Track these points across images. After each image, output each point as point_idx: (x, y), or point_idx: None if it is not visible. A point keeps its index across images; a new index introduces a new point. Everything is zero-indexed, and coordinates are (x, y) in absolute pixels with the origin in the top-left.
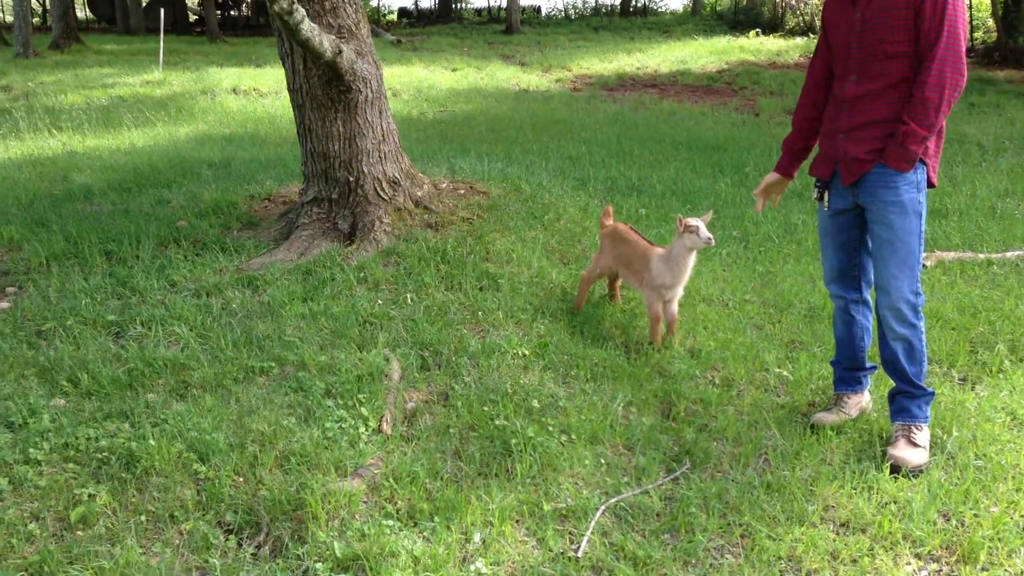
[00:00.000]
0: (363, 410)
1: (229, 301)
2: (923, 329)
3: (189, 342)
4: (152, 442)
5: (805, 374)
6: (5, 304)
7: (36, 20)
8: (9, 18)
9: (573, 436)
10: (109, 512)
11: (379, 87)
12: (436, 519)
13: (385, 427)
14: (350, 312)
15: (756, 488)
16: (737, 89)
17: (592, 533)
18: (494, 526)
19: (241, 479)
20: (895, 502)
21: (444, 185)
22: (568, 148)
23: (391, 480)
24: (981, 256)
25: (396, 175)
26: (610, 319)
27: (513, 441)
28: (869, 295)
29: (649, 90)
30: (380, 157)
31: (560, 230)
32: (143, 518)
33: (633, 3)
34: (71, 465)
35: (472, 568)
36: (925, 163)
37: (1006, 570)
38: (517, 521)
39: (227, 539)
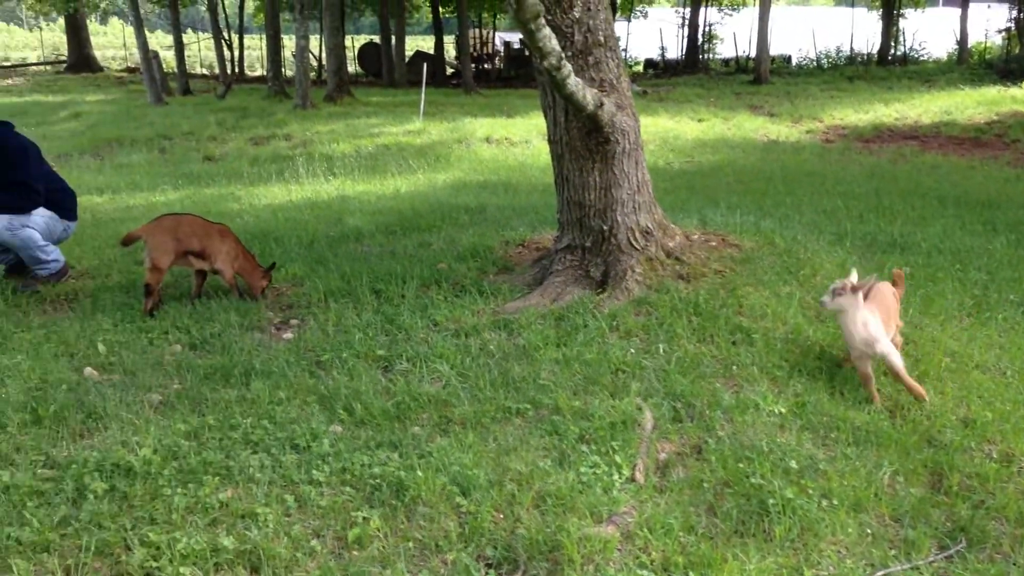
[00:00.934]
0: (616, 457)
1: (487, 342)
2: None
3: (450, 380)
4: (419, 473)
5: None
6: (289, 335)
7: (313, 75)
8: (290, 73)
9: (834, 501)
10: (381, 536)
11: (636, 139)
12: (691, 574)
13: (638, 476)
14: (603, 359)
15: None
16: (1009, 142)
17: None
18: None
19: (500, 516)
20: None
21: (696, 237)
22: (822, 201)
23: (645, 530)
24: None
25: (649, 225)
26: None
27: (771, 501)
28: None
29: (909, 142)
30: (634, 207)
31: (816, 286)
32: (411, 544)
33: (892, 51)
34: (348, 488)
35: None
36: None
37: None
38: None
39: (487, 572)
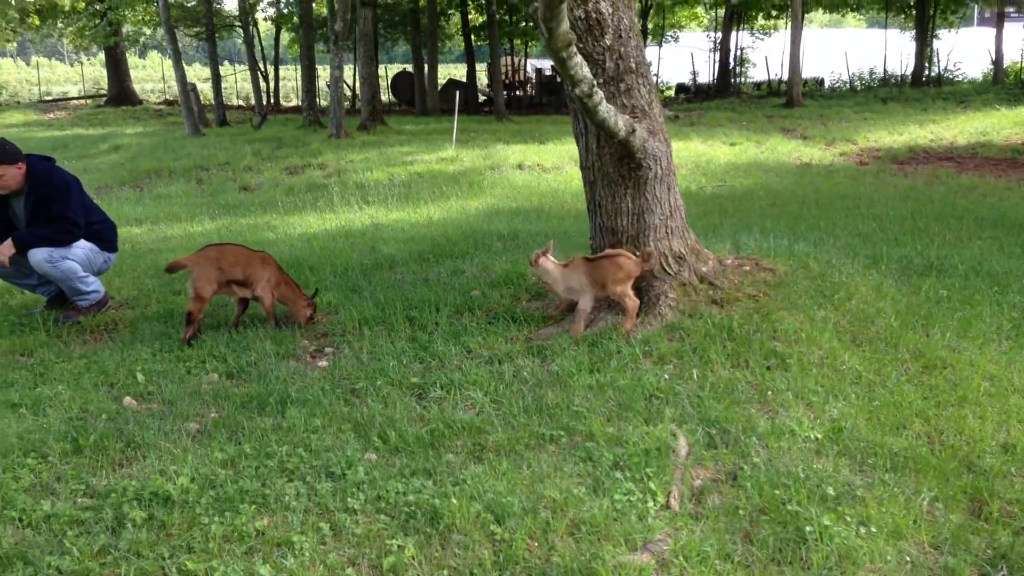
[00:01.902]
0: (651, 484)
1: (520, 369)
2: None
3: (484, 406)
4: (454, 501)
5: None
6: (324, 363)
7: (347, 104)
8: (325, 103)
9: (873, 528)
10: (415, 564)
11: (668, 164)
12: None
13: (673, 503)
14: (636, 385)
15: None
16: None
17: None
18: None
19: (535, 544)
20: None
21: (729, 261)
22: (857, 224)
23: (680, 558)
24: None
25: (682, 250)
26: (909, 406)
27: (808, 529)
28: None
29: (945, 163)
30: (667, 232)
31: (851, 310)
32: (445, 572)
33: (926, 72)
34: (383, 516)
35: None
36: None
37: None
38: None
39: None
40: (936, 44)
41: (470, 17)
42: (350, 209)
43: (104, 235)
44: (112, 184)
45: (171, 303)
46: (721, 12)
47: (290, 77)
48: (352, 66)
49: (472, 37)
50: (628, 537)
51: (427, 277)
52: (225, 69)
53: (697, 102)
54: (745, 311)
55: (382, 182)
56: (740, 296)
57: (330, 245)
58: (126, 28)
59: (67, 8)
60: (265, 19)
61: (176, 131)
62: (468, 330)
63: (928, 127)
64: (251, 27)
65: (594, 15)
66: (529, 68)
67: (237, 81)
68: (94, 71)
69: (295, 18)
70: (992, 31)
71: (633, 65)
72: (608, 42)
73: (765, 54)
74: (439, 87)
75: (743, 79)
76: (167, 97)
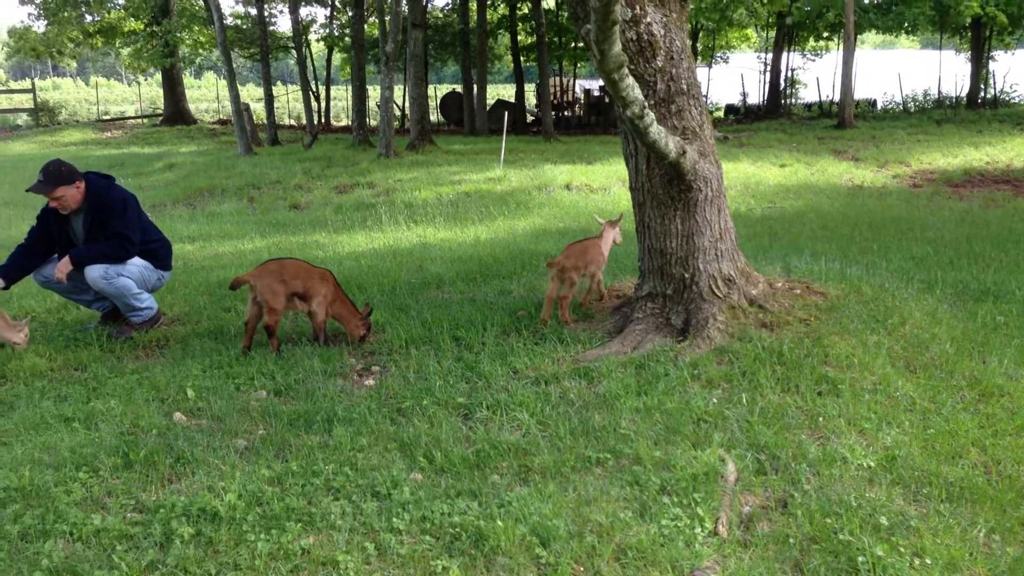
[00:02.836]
0: (699, 510)
1: (566, 391)
2: None
3: (530, 428)
4: (499, 523)
5: None
6: (371, 382)
7: (396, 124)
8: (374, 122)
9: (927, 560)
10: None
11: (719, 186)
12: None
13: (721, 530)
14: (684, 409)
15: None
16: None
17: None
18: None
19: (581, 568)
20: None
21: (779, 284)
22: (911, 248)
23: None
24: None
25: (731, 273)
26: (965, 435)
27: (860, 559)
28: None
29: (1001, 186)
30: (716, 255)
31: (905, 335)
32: None
33: (981, 94)
34: (428, 537)
35: None
36: None
37: None
38: None
39: None
40: (992, 65)
41: (519, 38)
42: (398, 228)
43: (159, 254)
44: (166, 202)
45: (222, 320)
46: (772, 33)
47: (341, 97)
48: (402, 86)
49: (521, 58)
50: (675, 563)
51: (474, 297)
52: (278, 89)
53: (747, 123)
54: (796, 335)
55: (430, 201)
56: (790, 320)
57: (378, 264)
58: (182, 50)
59: (127, 29)
60: (317, 40)
61: (229, 150)
62: (515, 351)
63: (983, 149)
64: (304, 48)
65: (646, 37)
66: (577, 88)
67: (289, 101)
68: (151, 91)
69: (347, 39)
70: None
71: (684, 87)
72: (659, 64)
73: (816, 75)
74: (488, 107)
75: (793, 100)
76: (221, 117)
